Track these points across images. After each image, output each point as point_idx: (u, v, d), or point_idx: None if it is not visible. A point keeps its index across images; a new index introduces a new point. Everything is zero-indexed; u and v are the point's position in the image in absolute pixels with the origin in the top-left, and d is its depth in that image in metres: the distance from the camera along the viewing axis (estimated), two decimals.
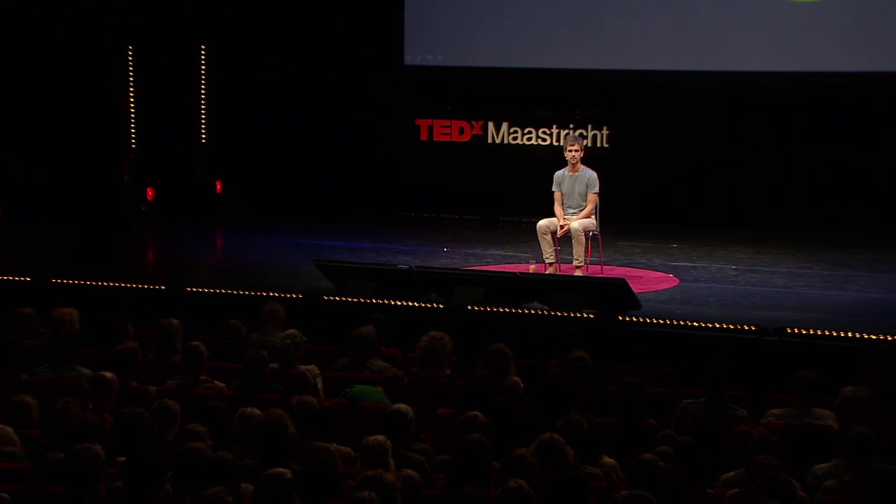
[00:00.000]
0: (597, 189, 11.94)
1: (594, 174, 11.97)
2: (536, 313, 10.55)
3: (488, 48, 16.16)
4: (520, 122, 16.39)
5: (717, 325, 9.96)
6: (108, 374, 7.77)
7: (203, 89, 17.41)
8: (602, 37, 15.62)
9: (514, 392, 8.03)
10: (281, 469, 5.59)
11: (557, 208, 11.97)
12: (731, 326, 9.93)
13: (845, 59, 14.75)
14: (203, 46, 17.32)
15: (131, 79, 17.08)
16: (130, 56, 17.04)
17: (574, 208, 11.95)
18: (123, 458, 6.08)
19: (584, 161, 12.04)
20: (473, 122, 16.57)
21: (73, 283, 11.38)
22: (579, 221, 11.82)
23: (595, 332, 9.89)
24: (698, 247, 14.08)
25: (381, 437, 6.31)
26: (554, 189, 12.02)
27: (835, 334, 9.64)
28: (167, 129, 17.21)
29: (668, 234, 14.73)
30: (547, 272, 11.91)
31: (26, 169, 15.84)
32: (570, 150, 11.96)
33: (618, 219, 13.32)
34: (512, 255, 13.37)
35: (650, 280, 12.23)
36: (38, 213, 15.55)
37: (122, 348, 8.54)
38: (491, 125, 16.50)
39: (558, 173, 12.05)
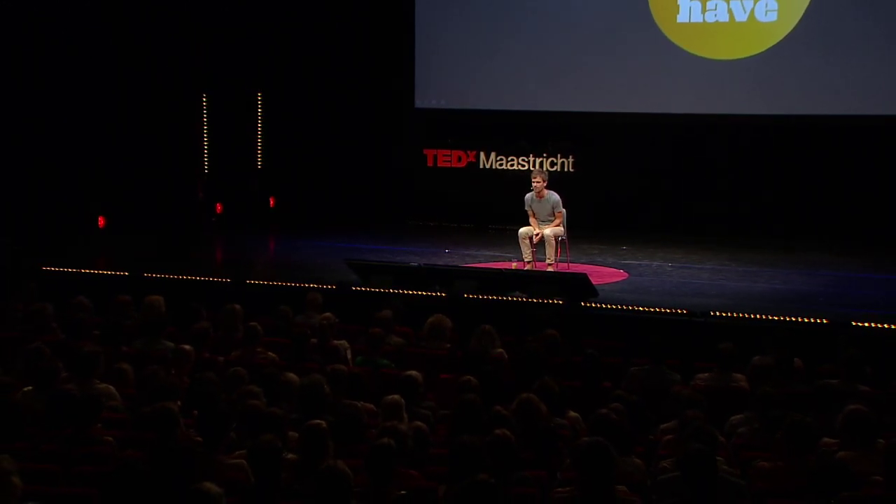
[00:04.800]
0: (561, 208, 11.93)
1: (557, 197, 11.95)
2: (517, 300, 10.56)
3: (479, 95, 16.15)
4: (504, 151, 16.37)
5: (657, 310, 9.97)
6: (187, 347, 7.81)
7: (259, 126, 17.43)
8: (569, 86, 15.61)
9: (500, 361, 8.04)
10: (319, 421, 5.59)
11: (532, 220, 11.98)
12: (668, 310, 9.94)
13: (753, 104, 14.80)
14: (259, 94, 17.36)
15: (205, 118, 17.13)
16: (205, 101, 17.12)
17: (544, 221, 11.97)
18: (198, 412, 6.09)
19: (554, 182, 12.05)
20: (468, 152, 16.54)
21: (161, 277, 11.38)
22: (550, 229, 11.83)
23: (563, 315, 9.89)
24: (643, 249, 14.06)
25: (396, 396, 6.32)
26: (526, 209, 12.02)
27: (747, 316, 9.66)
28: (232, 157, 17.25)
29: (619, 239, 14.70)
30: (525, 268, 11.91)
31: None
32: (534, 181, 11.96)
33: (581, 227, 13.30)
34: (499, 255, 13.35)
35: (605, 274, 12.21)
36: (133, 222, 15.58)
37: (198, 327, 8.57)
38: (482, 154, 16.48)
39: (527, 196, 12.00)
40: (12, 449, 5.36)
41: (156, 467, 4.93)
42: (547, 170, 14.89)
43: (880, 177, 14.50)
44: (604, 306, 10.21)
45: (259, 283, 11.32)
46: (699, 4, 14.99)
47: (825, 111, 14.48)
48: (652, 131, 15.48)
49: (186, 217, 16.47)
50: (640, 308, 10.03)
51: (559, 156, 15.98)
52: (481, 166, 16.48)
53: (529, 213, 11.99)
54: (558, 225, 11.89)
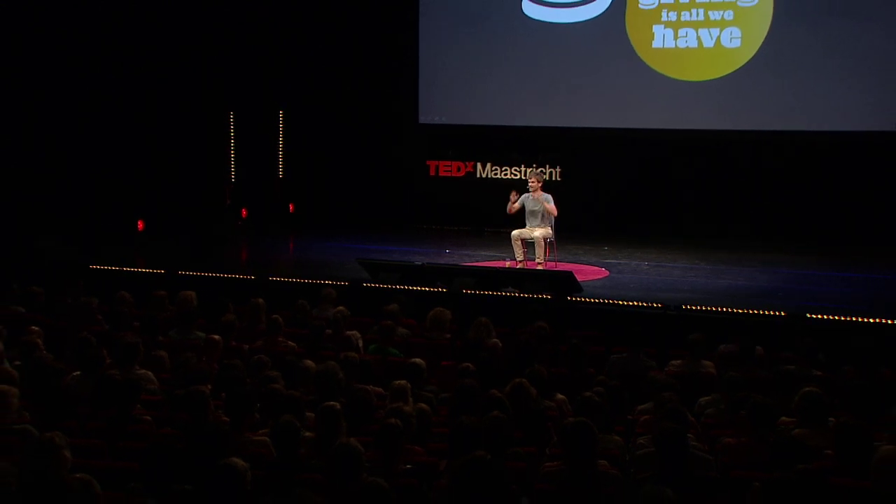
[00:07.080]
0: (551, 201, 11.92)
1: (549, 195, 12.01)
2: (511, 295, 10.56)
3: (476, 112, 16.16)
4: (498, 162, 16.39)
5: (635, 304, 9.97)
6: (216, 337, 7.80)
7: (280, 140, 17.44)
8: (556, 104, 15.63)
9: (495, 350, 8.03)
10: (333, 403, 5.58)
11: (518, 203, 11.92)
12: (645, 304, 9.94)
13: (719, 121, 14.82)
14: (281, 111, 17.36)
15: (232, 133, 17.14)
16: (232, 118, 17.12)
17: (535, 224, 11.97)
18: (226, 394, 6.10)
19: (543, 190, 12.07)
20: (466, 163, 16.56)
21: (193, 274, 11.39)
22: (540, 231, 11.85)
23: (551, 308, 9.90)
24: (622, 249, 14.07)
25: (403, 381, 6.31)
26: (522, 198, 11.93)
27: (714, 309, 9.66)
28: (256, 168, 17.27)
29: (601, 240, 14.71)
30: (518, 267, 11.92)
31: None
32: (531, 182, 12.00)
33: (567, 229, 13.30)
34: (494, 255, 13.36)
35: (589, 272, 12.22)
36: (169, 226, 15.60)
37: (225, 319, 8.56)
38: (479, 164, 16.50)
39: (525, 195, 12.07)
40: (63, 427, 5.37)
41: (189, 444, 4.95)
42: (542, 171, 14.87)
43: (830, 184, 14.53)
44: (587, 300, 10.21)
45: (280, 280, 11.33)
46: (672, 32, 15.02)
47: (781, 127, 14.55)
48: (630, 145, 15.48)
49: (215, 221, 16.50)
50: (620, 302, 10.03)
51: (548, 166, 15.98)
52: (478, 176, 16.49)
53: (520, 205, 11.89)
54: (550, 212, 11.85)
